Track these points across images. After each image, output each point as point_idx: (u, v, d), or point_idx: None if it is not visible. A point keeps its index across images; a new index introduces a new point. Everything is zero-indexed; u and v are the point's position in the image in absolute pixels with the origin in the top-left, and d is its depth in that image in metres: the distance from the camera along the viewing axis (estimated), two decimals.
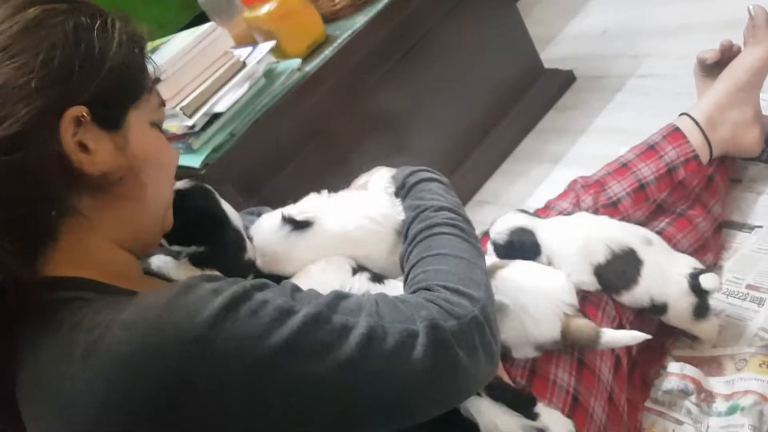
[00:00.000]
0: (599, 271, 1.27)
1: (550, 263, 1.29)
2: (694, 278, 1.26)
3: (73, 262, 0.79)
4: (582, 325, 1.17)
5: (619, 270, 1.27)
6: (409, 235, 1.02)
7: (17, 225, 0.74)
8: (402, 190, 1.13)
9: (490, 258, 1.29)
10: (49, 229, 0.77)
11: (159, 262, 1.08)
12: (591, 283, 1.27)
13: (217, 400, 0.69)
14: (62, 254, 0.79)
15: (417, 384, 0.77)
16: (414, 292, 0.88)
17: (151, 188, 0.87)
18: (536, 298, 1.16)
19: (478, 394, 1.01)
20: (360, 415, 0.76)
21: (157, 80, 0.89)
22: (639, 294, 1.27)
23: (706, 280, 1.25)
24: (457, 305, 0.83)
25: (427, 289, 0.87)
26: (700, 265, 1.30)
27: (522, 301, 1.16)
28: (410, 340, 0.77)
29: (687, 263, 1.30)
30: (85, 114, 0.77)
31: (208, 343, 0.69)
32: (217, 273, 1.06)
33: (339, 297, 0.80)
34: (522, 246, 1.29)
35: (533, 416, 1.03)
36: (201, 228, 1.06)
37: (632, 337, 1.16)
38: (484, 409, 1.01)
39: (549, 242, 1.29)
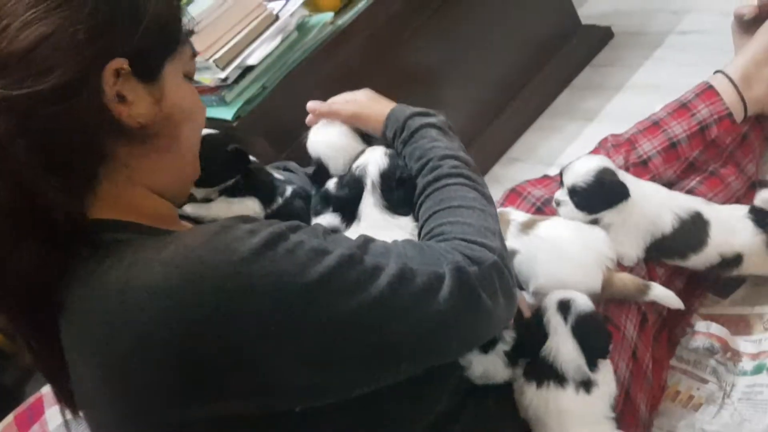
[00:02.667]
0: (663, 241, 1.25)
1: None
2: (754, 212, 1.26)
3: (114, 206, 0.82)
4: (626, 278, 1.17)
5: (688, 235, 1.25)
6: (417, 187, 1.04)
7: (65, 167, 0.76)
8: (402, 134, 1.13)
9: (566, 208, 1.24)
10: (93, 173, 0.80)
11: (191, 208, 1.14)
12: (632, 258, 1.25)
13: (253, 332, 0.71)
14: (104, 200, 0.81)
15: (443, 322, 0.81)
16: (434, 243, 0.91)
17: (184, 139, 0.89)
18: (579, 248, 1.16)
19: None
20: (388, 351, 0.79)
21: (191, 32, 0.90)
22: (708, 253, 1.27)
23: (759, 198, 1.26)
24: (478, 252, 0.87)
25: (445, 240, 0.90)
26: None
27: (564, 250, 1.16)
28: (437, 281, 0.81)
29: (741, 209, 1.30)
30: (125, 66, 0.78)
31: (247, 278, 0.72)
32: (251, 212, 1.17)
33: (368, 240, 0.84)
34: (612, 188, 1.21)
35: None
36: (228, 163, 1.16)
37: (677, 301, 1.17)
38: None
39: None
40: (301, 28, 1.81)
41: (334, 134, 1.23)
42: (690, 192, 1.35)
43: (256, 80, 1.72)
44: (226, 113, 1.68)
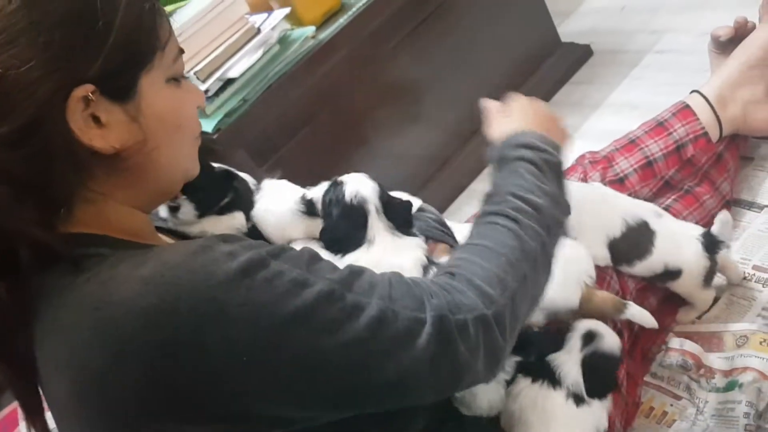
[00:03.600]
0: (614, 244, 1.28)
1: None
2: (706, 237, 1.29)
3: (90, 222, 0.80)
4: (606, 296, 1.18)
5: (633, 242, 1.28)
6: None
7: (36, 201, 0.74)
8: (497, 160, 1.02)
9: None
10: (67, 202, 0.77)
11: (175, 224, 1.13)
12: (603, 257, 1.28)
13: (225, 362, 0.70)
14: (79, 217, 0.79)
15: (417, 370, 0.78)
16: (441, 274, 0.88)
17: (169, 150, 0.84)
18: (558, 263, 1.17)
19: None
20: (359, 392, 0.77)
21: (170, 34, 0.83)
22: (652, 262, 1.30)
23: (718, 222, 1.29)
24: (470, 301, 0.82)
25: (450, 274, 0.87)
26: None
27: None
28: (417, 327, 0.78)
29: (696, 229, 1.32)
30: (91, 93, 0.74)
31: (223, 306, 0.70)
32: (234, 231, 1.14)
33: (354, 274, 0.80)
34: None
35: None
36: (221, 185, 1.17)
37: (652, 321, 1.18)
38: None
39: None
40: (283, 41, 1.81)
41: None
42: (666, 209, 1.37)
43: (237, 93, 1.72)
44: (207, 125, 1.68)
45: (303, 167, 1.83)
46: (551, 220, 0.94)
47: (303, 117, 1.84)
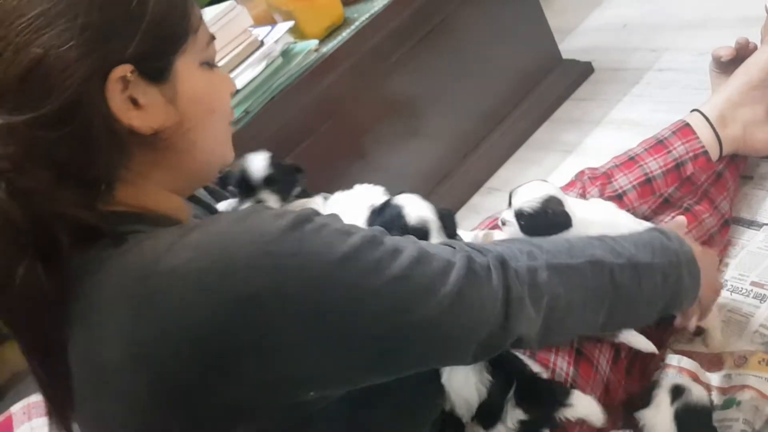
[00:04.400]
0: None
1: None
2: None
3: (128, 203, 0.82)
4: None
5: None
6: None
7: (76, 183, 0.75)
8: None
9: (510, 228, 1.22)
10: (104, 185, 0.79)
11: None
12: None
13: (281, 311, 0.71)
14: (116, 199, 0.80)
15: (451, 303, 0.81)
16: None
17: (204, 136, 0.87)
18: None
19: None
20: (404, 334, 0.79)
21: (201, 19, 0.86)
22: None
23: None
24: (492, 249, 0.90)
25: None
26: None
27: None
28: (449, 266, 0.83)
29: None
30: (130, 73, 0.76)
31: (277, 258, 0.72)
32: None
33: (385, 231, 0.85)
34: (555, 217, 1.19)
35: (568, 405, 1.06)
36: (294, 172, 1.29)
37: (648, 345, 1.18)
38: None
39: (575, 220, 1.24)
40: (286, 54, 1.82)
41: None
42: None
43: (240, 104, 1.73)
44: None
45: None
46: (646, 281, 0.99)
47: (305, 129, 1.85)
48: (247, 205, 1.21)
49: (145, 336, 0.70)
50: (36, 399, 1.57)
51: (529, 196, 1.20)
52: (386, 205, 1.13)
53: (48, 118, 0.72)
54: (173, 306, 0.70)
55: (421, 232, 1.07)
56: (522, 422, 1.03)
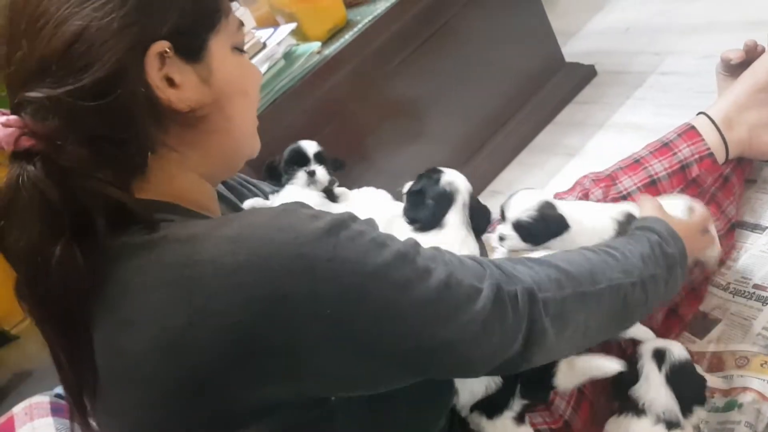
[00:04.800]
0: None
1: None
2: None
3: (161, 191, 0.82)
4: None
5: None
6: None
7: (114, 160, 0.76)
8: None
9: (511, 242, 1.23)
10: (140, 163, 0.79)
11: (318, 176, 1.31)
12: None
13: (308, 315, 0.71)
14: (152, 183, 0.81)
15: (474, 330, 0.81)
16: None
17: (238, 117, 0.89)
18: None
19: None
20: (423, 353, 0.79)
21: (230, 4, 0.88)
22: None
23: None
24: (522, 275, 0.88)
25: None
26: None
27: None
28: (476, 293, 0.82)
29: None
30: (168, 49, 0.78)
31: (311, 260, 0.72)
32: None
33: (418, 244, 0.85)
34: (553, 221, 1.21)
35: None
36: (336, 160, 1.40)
37: (646, 334, 1.18)
38: None
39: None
40: (288, 56, 1.82)
41: None
42: None
43: None
44: None
45: None
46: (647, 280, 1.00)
47: (307, 131, 1.84)
48: (299, 174, 1.29)
49: (177, 324, 0.70)
50: (38, 399, 1.56)
51: (523, 206, 1.22)
52: (433, 169, 1.23)
53: (89, 90, 0.73)
54: (208, 297, 0.70)
55: (447, 198, 1.17)
56: (525, 405, 1.07)
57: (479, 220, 1.20)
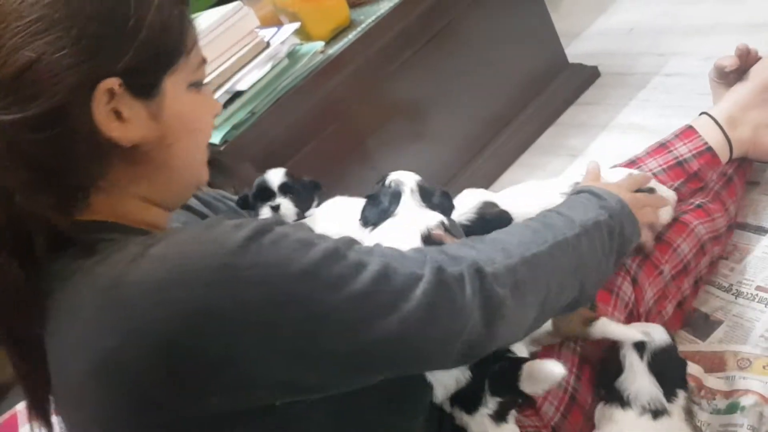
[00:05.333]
0: None
1: None
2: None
3: (103, 212, 0.83)
4: (576, 313, 1.17)
5: None
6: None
7: (51, 186, 0.76)
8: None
9: None
10: (81, 193, 0.80)
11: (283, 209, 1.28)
12: None
13: (238, 324, 0.72)
14: (93, 208, 0.81)
15: (418, 317, 0.80)
16: None
17: (183, 154, 0.88)
18: None
19: None
20: (366, 348, 0.78)
21: (195, 41, 0.87)
22: None
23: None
24: (466, 254, 0.87)
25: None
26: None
27: None
28: (416, 280, 0.81)
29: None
30: (118, 86, 0.77)
31: (233, 270, 0.72)
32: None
33: (353, 240, 0.84)
34: (494, 219, 1.22)
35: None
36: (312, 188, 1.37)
37: (625, 334, 1.15)
38: None
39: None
40: (292, 55, 1.82)
41: None
42: (676, 219, 1.38)
43: (245, 105, 1.73)
44: (214, 137, 1.69)
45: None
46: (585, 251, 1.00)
47: (310, 131, 1.85)
48: (263, 210, 1.27)
49: (109, 346, 0.71)
50: None
51: (464, 209, 1.24)
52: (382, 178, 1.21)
53: (33, 120, 0.73)
54: (136, 317, 0.71)
55: (394, 191, 1.16)
56: (500, 403, 1.05)
57: (440, 201, 1.18)
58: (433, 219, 1.10)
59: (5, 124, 0.72)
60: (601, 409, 1.13)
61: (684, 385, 1.14)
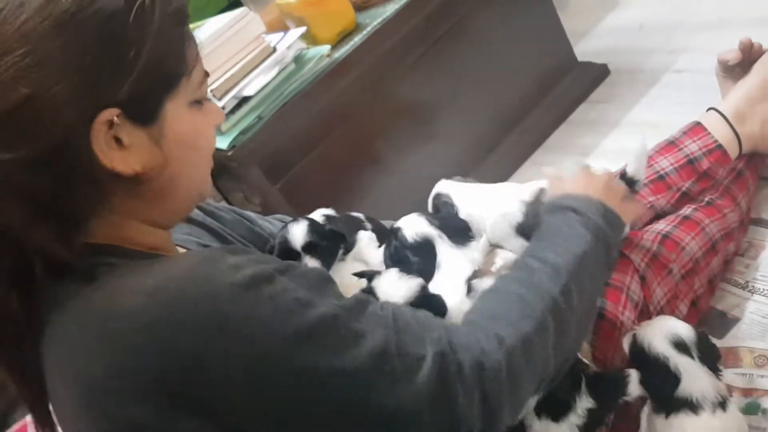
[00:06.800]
0: (521, 228, 1.24)
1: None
2: (623, 178, 1.24)
3: (104, 236, 0.81)
4: None
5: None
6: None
7: (49, 218, 0.75)
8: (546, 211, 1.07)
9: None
10: (84, 220, 0.78)
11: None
12: (520, 246, 1.23)
13: (222, 378, 0.70)
14: (94, 231, 0.80)
15: (416, 407, 0.76)
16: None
17: (186, 171, 0.86)
18: None
19: None
20: (353, 421, 0.76)
21: (197, 58, 0.84)
22: None
23: (633, 159, 1.24)
24: (469, 340, 0.82)
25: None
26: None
27: None
28: (418, 363, 0.77)
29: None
30: (117, 117, 0.75)
31: (225, 321, 0.70)
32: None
33: (360, 303, 0.80)
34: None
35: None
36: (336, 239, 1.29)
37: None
38: None
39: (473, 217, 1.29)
40: (298, 60, 1.82)
41: None
42: (687, 217, 1.36)
43: (253, 110, 1.73)
44: (222, 142, 1.69)
45: (317, 185, 1.84)
46: (583, 280, 0.95)
47: (317, 135, 1.84)
48: None
49: (97, 375, 0.71)
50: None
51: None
52: (392, 230, 1.20)
53: (33, 159, 0.71)
54: (125, 352, 0.70)
55: (426, 246, 1.14)
56: (590, 410, 1.03)
57: (453, 229, 1.18)
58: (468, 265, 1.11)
59: (3, 162, 0.71)
60: (663, 422, 1.05)
61: (719, 362, 1.08)
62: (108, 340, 0.71)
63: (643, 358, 1.05)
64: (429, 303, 1.01)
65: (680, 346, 1.06)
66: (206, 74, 0.86)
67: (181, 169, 0.84)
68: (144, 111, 0.78)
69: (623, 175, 1.23)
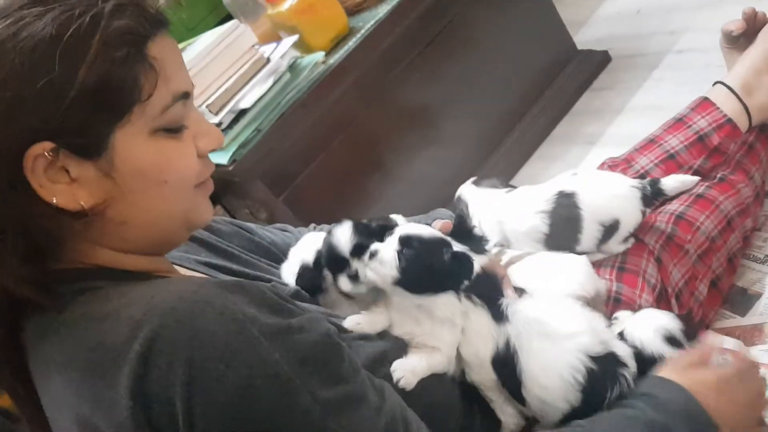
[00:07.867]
0: (548, 242, 1.24)
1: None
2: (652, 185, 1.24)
3: (87, 260, 0.79)
4: None
5: (564, 222, 1.23)
6: None
7: (10, 253, 0.72)
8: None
9: None
10: (49, 252, 0.76)
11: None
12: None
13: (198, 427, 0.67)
14: (75, 256, 0.78)
15: None
16: None
17: (153, 205, 0.79)
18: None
19: None
20: None
21: (155, 85, 0.75)
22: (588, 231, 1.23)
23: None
24: None
25: None
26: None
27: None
28: None
29: (626, 181, 1.26)
30: (50, 151, 0.70)
31: (198, 373, 0.66)
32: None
33: (350, 402, 0.74)
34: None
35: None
36: None
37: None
38: None
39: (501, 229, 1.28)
40: (293, 69, 1.81)
41: None
42: (700, 196, 1.33)
43: (250, 123, 1.72)
44: (222, 158, 1.67)
45: (321, 194, 1.82)
46: None
47: (317, 144, 1.82)
48: (342, 282, 1.00)
49: (84, 411, 0.69)
50: None
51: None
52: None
53: None
54: (108, 386, 0.67)
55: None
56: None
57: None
58: None
59: None
60: None
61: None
62: (93, 373, 0.69)
63: (638, 357, 1.01)
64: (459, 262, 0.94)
65: (671, 340, 1.04)
66: (183, 95, 0.78)
67: (144, 203, 0.78)
68: (86, 143, 0.72)
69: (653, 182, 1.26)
